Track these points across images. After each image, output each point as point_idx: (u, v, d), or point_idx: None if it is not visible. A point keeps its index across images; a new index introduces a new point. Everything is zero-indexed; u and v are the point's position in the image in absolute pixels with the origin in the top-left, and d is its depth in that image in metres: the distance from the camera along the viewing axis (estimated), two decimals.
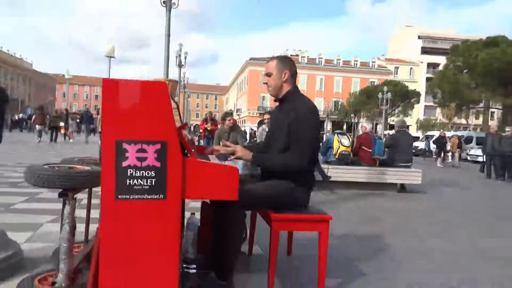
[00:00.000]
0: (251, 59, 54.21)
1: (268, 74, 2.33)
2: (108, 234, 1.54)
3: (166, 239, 1.57)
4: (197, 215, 2.69)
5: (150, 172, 1.55)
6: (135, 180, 1.54)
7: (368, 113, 41.62)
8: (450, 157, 17.85)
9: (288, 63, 2.34)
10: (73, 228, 1.84)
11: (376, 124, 40.22)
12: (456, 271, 2.79)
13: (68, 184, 1.77)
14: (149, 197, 1.55)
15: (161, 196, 1.56)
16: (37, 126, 16.40)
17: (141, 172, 1.54)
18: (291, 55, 47.23)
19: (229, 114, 6.94)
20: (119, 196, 1.53)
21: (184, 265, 2.46)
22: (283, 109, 2.35)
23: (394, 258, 3.02)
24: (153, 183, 1.55)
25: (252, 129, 28.20)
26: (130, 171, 1.54)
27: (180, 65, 23.20)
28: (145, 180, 1.55)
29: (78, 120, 21.46)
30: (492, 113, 35.92)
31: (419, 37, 63.37)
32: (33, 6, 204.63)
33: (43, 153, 10.76)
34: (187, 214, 2.65)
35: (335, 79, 56.52)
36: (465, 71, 26.41)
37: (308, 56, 55.95)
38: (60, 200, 1.85)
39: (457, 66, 27.09)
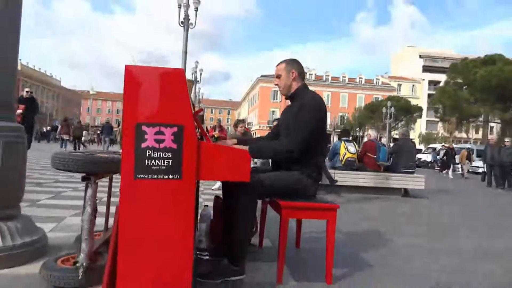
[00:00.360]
0: (262, 76, 54.56)
1: (278, 76, 2.38)
2: (127, 212, 1.53)
3: (181, 217, 1.56)
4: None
5: (167, 154, 1.55)
6: (153, 160, 1.54)
7: (373, 127, 41.36)
8: (460, 168, 17.79)
9: (295, 63, 2.38)
10: (94, 210, 1.84)
11: (381, 137, 39.89)
12: (457, 270, 2.71)
13: (91, 168, 1.79)
14: (166, 177, 1.55)
15: (177, 176, 1.55)
16: (63, 136, 17.27)
17: (158, 153, 1.54)
18: None
19: (241, 121, 6.95)
20: (138, 176, 1.53)
21: (198, 253, 2.45)
22: (292, 105, 2.36)
23: (398, 254, 2.95)
24: (170, 164, 1.55)
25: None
26: (148, 152, 1.54)
27: (196, 81, 23.50)
28: (162, 161, 1.54)
29: (99, 132, 22.21)
30: (492, 127, 35.37)
31: (420, 56, 63.24)
32: (63, 28, 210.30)
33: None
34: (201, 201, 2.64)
35: (341, 95, 56.44)
36: (464, 87, 26.17)
37: (315, 74, 56.06)
38: (82, 197, 1.86)
39: (457, 82, 26.88)
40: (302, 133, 2.14)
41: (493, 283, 2.36)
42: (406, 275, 2.42)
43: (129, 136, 1.53)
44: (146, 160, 1.54)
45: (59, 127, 20.14)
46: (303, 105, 2.19)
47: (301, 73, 2.37)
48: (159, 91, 1.55)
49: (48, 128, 36.24)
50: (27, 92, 7.57)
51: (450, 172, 16.14)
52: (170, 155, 1.55)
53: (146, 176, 1.54)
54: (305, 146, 2.15)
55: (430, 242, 3.42)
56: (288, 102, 2.46)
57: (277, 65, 2.40)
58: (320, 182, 2.37)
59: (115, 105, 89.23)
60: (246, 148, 1.99)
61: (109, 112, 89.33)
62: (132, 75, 1.54)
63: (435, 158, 21.37)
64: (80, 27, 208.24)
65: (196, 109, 2.15)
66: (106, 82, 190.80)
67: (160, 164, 1.54)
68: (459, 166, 17.76)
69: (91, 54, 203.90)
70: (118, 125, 21.03)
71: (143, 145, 1.53)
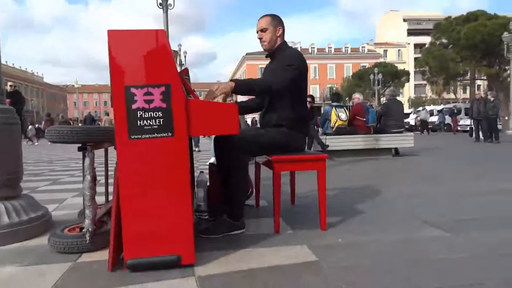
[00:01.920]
0: (247, 54, 53.99)
1: (263, 30, 2.33)
2: (125, 171, 1.61)
3: (176, 172, 1.64)
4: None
5: (157, 113, 1.61)
6: (145, 121, 1.61)
7: (359, 91, 41.55)
8: None
9: (280, 20, 2.37)
10: (94, 178, 1.91)
11: (371, 105, 40.12)
12: (438, 206, 2.87)
13: (85, 137, 1.85)
14: (159, 135, 1.62)
15: (169, 134, 1.63)
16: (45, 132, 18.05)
17: (149, 113, 1.61)
18: None
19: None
20: (132, 136, 1.60)
21: (197, 214, 2.56)
22: (272, 62, 2.40)
23: (390, 202, 3.09)
24: (161, 123, 1.62)
25: (254, 118, 28.08)
26: (139, 113, 1.60)
27: (181, 64, 23.21)
28: (153, 120, 1.61)
29: (81, 124, 22.89)
30: (479, 85, 35.64)
31: (404, 20, 62.82)
32: (40, 24, 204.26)
33: (54, 150, 10.89)
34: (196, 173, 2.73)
35: (328, 66, 56.32)
36: (449, 46, 26.20)
37: (301, 47, 55.52)
38: (79, 181, 1.92)
39: (442, 42, 26.89)
40: (288, 72, 2.18)
41: (477, 218, 2.51)
42: (397, 217, 2.56)
43: (120, 99, 1.59)
44: (138, 121, 1.60)
45: (43, 122, 21.38)
46: (286, 56, 2.25)
47: (284, 30, 2.38)
48: (143, 53, 1.60)
49: (36, 126, 35.78)
50: (10, 86, 7.49)
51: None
52: (161, 114, 1.62)
53: (140, 136, 1.61)
54: (289, 85, 2.18)
55: (420, 190, 3.58)
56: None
57: (261, 18, 2.35)
58: (311, 148, 2.47)
59: (102, 96, 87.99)
60: (231, 83, 2.02)
61: (96, 104, 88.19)
62: (115, 39, 1.58)
63: (442, 119, 21.03)
64: (57, 22, 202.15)
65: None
66: (91, 75, 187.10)
67: (152, 123, 1.61)
68: None
69: (72, 49, 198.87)
70: (108, 115, 21.22)
71: (134, 106, 1.60)
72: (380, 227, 2.31)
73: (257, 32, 2.35)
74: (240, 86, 2.06)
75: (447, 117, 21.40)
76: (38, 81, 68.34)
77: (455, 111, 20.46)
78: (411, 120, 23.92)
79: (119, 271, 1.64)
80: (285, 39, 2.40)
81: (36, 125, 36.00)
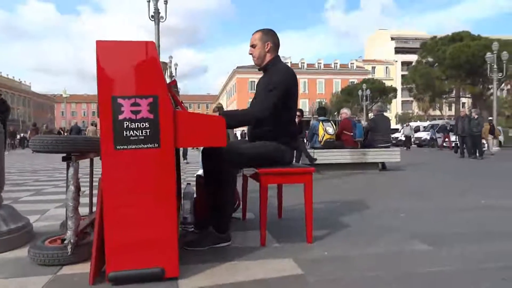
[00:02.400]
0: (237, 67, 54.41)
1: (252, 46, 2.38)
2: (110, 182, 1.59)
3: (162, 183, 1.63)
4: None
5: (144, 124, 1.61)
6: (131, 131, 1.60)
7: (347, 106, 42.16)
8: (486, 145, 14.80)
9: (271, 35, 2.38)
10: (77, 188, 1.88)
11: (359, 120, 40.65)
12: (424, 221, 2.89)
13: (70, 147, 1.83)
14: (145, 146, 1.61)
15: (156, 145, 1.62)
16: (29, 142, 18.84)
17: (136, 124, 1.60)
18: None
19: (221, 108, 6.94)
20: (118, 147, 1.59)
21: (183, 226, 2.53)
22: (264, 76, 2.42)
23: (376, 216, 3.11)
24: (148, 134, 1.61)
25: (243, 130, 28.12)
26: (126, 123, 1.60)
27: (171, 76, 23.23)
28: (140, 131, 1.61)
29: (67, 134, 22.90)
30: (463, 103, 36.53)
31: (392, 39, 64.44)
32: (30, 33, 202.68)
33: (38, 158, 10.70)
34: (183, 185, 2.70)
35: (317, 81, 57.14)
36: (435, 65, 26.89)
37: (291, 62, 56.27)
38: (63, 192, 1.89)
39: (428, 61, 27.59)
40: (270, 97, 2.20)
41: (463, 233, 2.53)
42: (384, 230, 2.56)
43: (106, 109, 1.58)
44: (124, 131, 1.59)
45: (29, 131, 21.79)
46: (273, 73, 2.27)
47: (276, 45, 2.39)
48: (132, 64, 1.60)
49: (22, 135, 35.20)
50: None
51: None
52: (148, 125, 1.61)
53: (125, 147, 1.60)
54: (272, 110, 2.20)
55: (406, 204, 3.61)
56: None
57: (253, 34, 2.39)
58: (300, 161, 2.48)
59: (90, 107, 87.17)
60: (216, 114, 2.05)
61: (84, 114, 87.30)
62: (103, 50, 1.58)
63: (434, 135, 20.90)
64: (48, 31, 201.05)
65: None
66: (81, 85, 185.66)
67: (138, 134, 1.61)
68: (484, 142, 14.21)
69: (62, 58, 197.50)
70: (95, 126, 21.31)
71: (120, 117, 1.59)
72: (367, 240, 2.31)
73: (249, 47, 2.39)
74: (227, 120, 2.10)
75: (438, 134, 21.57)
76: (25, 90, 67.47)
77: (447, 127, 20.06)
78: (401, 135, 24.29)
79: (101, 284, 1.60)
80: (277, 41, 2.40)
81: (22, 134, 35.55)
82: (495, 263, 1.89)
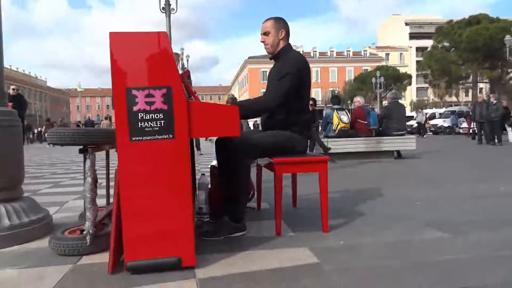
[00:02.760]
0: (249, 57, 54.13)
1: (265, 33, 2.33)
2: (126, 173, 1.61)
3: (177, 174, 1.64)
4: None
5: (158, 115, 1.61)
6: (146, 122, 1.61)
7: (364, 98, 41.57)
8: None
9: (283, 22, 2.35)
10: (95, 180, 1.91)
11: (372, 108, 40.12)
12: (440, 208, 2.85)
13: (86, 139, 1.85)
14: (160, 137, 1.62)
15: (170, 136, 1.62)
16: (46, 134, 20.17)
17: (150, 115, 1.61)
18: None
19: (234, 99, 6.92)
20: (133, 138, 1.60)
21: (199, 216, 2.55)
22: (276, 65, 2.39)
23: (391, 203, 3.08)
24: (162, 124, 1.61)
25: (256, 121, 28.08)
26: (140, 114, 1.60)
27: (183, 68, 23.27)
28: (154, 122, 1.61)
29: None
30: (481, 88, 35.59)
31: (406, 24, 62.91)
32: (43, 28, 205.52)
33: (56, 152, 10.93)
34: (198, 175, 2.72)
35: (330, 70, 56.40)
36: (451, 49, 26.20)
37: (303, 51, 55.63)
38: (80, 184, 1.92)
39: (444, 46, 26.88)
40: (282, 85, 2.18)
41: (480, 220, 2.48)
42: (399, 219, 2.53)
43: (121, 101, 1.59)
44: (139, 123, 1.60)
45: (44, 126, 23.04)
46: (285, 60, 2.24)
47: (288, 33, 2.35)
48: (145, 55, 1.60)
49: (39, 129, 36.02)
50: (13, 89, 7.53)
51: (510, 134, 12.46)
52: (162, 116, 1.61)
53: (140, 138, 1.60)
54: (284, 99, 2.18)
55: (422, 192, 3.55)
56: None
57: (264, 22, 2.35)
58: (313, 151, 2.46)
59: (104, 100, 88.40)
60: None
61: (99, 108, 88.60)
62: (117, 41, 1.58)
63: (455, 122, 20.35)
64: (60, 26, 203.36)
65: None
66: (95, 79, 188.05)
67: (153, 125, 1.61)
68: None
69: (75, 53, 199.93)
70: (110, 119, 22.09)
71: (135, 108, 1.60)
72: (382, 229, 2.29)
73: (261, 35, 2.35)
74: (240, 111, 2.12)
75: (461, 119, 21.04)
76: (41, 85, 68.67)
77: (470, 112, 19.01)
78: (414, 122, 23.87)
79: (119, 273, 1.63)
80: (289, 29, 2.37)
81: (39, 129, 36.41)
82: None
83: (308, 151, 2.43)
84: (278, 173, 2.15)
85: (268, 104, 2.21)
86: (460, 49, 24.13)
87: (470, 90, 33.28)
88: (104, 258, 1.76)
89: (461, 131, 20.16)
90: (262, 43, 2.36)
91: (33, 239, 2.14)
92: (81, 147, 1.89)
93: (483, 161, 6.86)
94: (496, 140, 10.79)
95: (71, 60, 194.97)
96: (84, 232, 1.88)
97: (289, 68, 2.20)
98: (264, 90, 2.37)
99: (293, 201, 2.98)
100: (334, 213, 2.57)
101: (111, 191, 2.05)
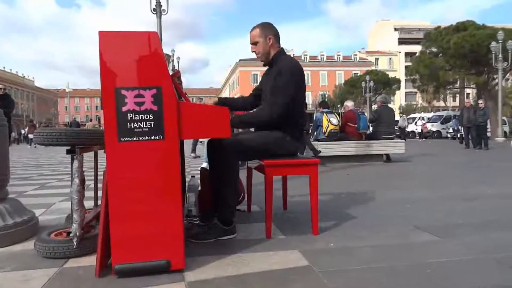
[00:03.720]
0: (240, 60, 54.17)
1: (254, 43, 2.32)
2: (114, 174, 1.58)
3: (167, 176, 1.62)
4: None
5: (148, 115, 1.59)
6: (135, 123, 1.58)
7: (354, 102, 41.90)
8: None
9: (269, 28, 2.33)
10: (82, 181, 1.88)
11: (362, 111, 40.49)
12: (430, 211, 2.87)
13: (74, 140, 1.82)
14: (149, 138, 1.59)
15: (160, 137, 1.60)
16: (30, 135, 21.14)
17: (140, 115, 1.59)
18: None
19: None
20: (122, 139, 1.58)
21: (188, 219, 2.52)
22: (270, 72, 2.37)
23: (381, 206, 3.09)
24: (152, 125, 1.59)
25: None
26: (129, 115, 1.58)
27: (173, 69, 23.17)
28: (144, 123, 1.59)
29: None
30: (468, 94, 36.18)
31: (395, 29, 63.73)
32: (32, 27, 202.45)
33: (40, 153, 10.76)
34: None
35: (320, 74, 56.78)
36: (439, 55, 26.57)
37: (293, 54, 55.95)
38: (67, 185, 1.88)
39: (432, 51, 27.25)
40: (283, 99, 2.18)
41: (470, 223, 2.51)
42: (389, 222, 2.55)
43: (110, 101, 1.57)
44: (128, 123, 1.58)
45: (26, 128, 23.63)
46: (281, 71, 2.21)
47: (276, 36, 2.33)
48: (135, 55, 1.58)
49: (23, 131, 35.41)
50: (0, 89, 7.38)
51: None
52: (151, 116, 1.59)
53: (129, 139, 1.58)
54: (286, 111, 2.20)
55: (412, 195, 3.58)
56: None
57: (251, 31, 2.33)
58: (304, 154, 2.45)
59: (94, 101, 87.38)
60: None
61: (88, 109, 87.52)
62: (106, 41, 1.56)
63: (456, 126, 19.11)
64: (49, 25, 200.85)
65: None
66: (84, 80, 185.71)
67: (142, 126, 1.59)
68: None
69: (64, 53, 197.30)
70: (99, 122, 22.31)
71: (124, 108, 1.57)
72: (372, 231, 2.30)
73: (251, 45, 2.34)
74: (241, 123, 2.27)
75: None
76: (29, 85, 67.55)
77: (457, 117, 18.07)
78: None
79: (107, 277, 1.60)
80: (277, 32, 2.36)
81: (22, 131, 35.79)
82: (503, 252, 1.86)
83: (298, 154, 2.43)
84: (269, 176, 2.14)
85: (273, 116, 2.19)
86: (447, 55, 24.47)
87: (458, 95, 33.82)
88: (91, 261, 1.73)
89: (448, 135, 20.50)
90: (254, 53, 2.35)
91: (18, 242, 2.09)
92: (69, 147, 1.86)
93: (470, 165, 6.96)
94: (483, 144, 10.97)
95: (60, 60, 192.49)
96: (71, 235, 1.85)
97: (285, 80, 2.19)
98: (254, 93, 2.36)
99: (284, 204, 2.97)
100: (324, 216, 2.57)
101: (99, 193, 2.01)
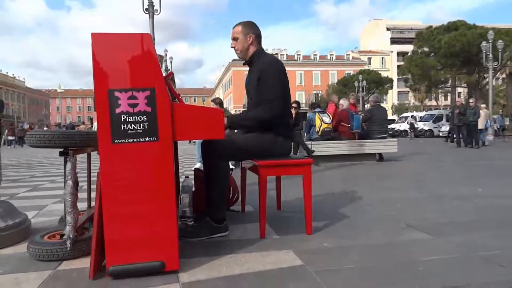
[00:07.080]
0: (233, 60, 54.11)
1: (234, 39, 2.34)
2: (108, 176, 1.58)
3: (161, 177, 1.62)
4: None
5: (142, 117, 1.59)
6: (129, 125, 1.58)
7: (343, 97, 42.15)
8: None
9: (252, 27, 2.35)
10: (75, 183, 1.87)
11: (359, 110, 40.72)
12: (421, 210, 2.90)
13: (67, 142, 1.81)
14: (143, 140, 1.59)
15: (154, 138, 1.60)
16: (9, 137, 22.38)
17: (133, 117, 1.58)
18: None
19: (221, 104, 6.97)
20: (115, 141, 1.57)
21: (182, 220, 2.53)
22: (252, 70, 2.38)
23: (374, 205, 3.12)
24: (146, 127, 1.59)
25: None
26: (123, 117, 1.58)
27: (166, 70, 23.06)
28: (138, 124, 1.59)
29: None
30: (459, 93, 36.56)
31: (387, 29, 64.18)
32: (22, 28, 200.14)
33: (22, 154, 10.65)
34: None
35: (313, 73, 56.95)
36: (431, 54, 26.85)
37: (287, 54, 56.13)
38: (60, 187, 1.87)
39: (424, 51, 27.53)
40: (277, 97, 2.20)
41: (461, 221, 2.55)
42: (382, 220, 2.57)
43: (103, 103, 1.56)
44: (122, 125, 1.58)
45: (6, 130, 24.15)
46: (265, 72, 2.22)
47: (258, 36, 2.35)
48: (128, 56, 1.58)
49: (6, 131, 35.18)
50: None
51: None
52: (145, 118, 1.59)
53: (123, 141, 1.58)
54: (282, 108, 2.23)
55: (404, 194, 3.62)
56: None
57: (234, 27, 2.35)
58: (297, 154, 2.47)
59: (86, 102, 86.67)
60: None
61: (80, 109, 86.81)
62: (99, 42, 1.56)
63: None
64: (39, 26, 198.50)
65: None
66: (76, 81, 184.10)
67: (136, 127, 1.59)
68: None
69: (56, 54, 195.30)
70: (91, 122, 22.25)
71: (118, 110, 1.57)
72: (365, 231, 2.32)
73: (231, 41, 2.35)
74: (238, 124, 2.29)
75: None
76: (20, 86, 66.79)
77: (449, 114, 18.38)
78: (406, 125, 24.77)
79: (101, 279, 1.59)
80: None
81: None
82: (493, 250, 1.90)
83: (292, 153, 2.44)
84: (263, 176, 2.15)
85: (272, 115, 2.21)
86: (439, 55, 24.77)
87: (449, 94, 34.16)
88: (85, 263, 1.72)
89: (440, 134, 20.71)
90: (233, 49, 2.36)
91: (10, 244, 2.08)
92: (62, 149, 1.85)
93: (461, 164, 7.03)
94: (473, 143, 11.10)
95: (51, 61, 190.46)
96: (64, 237, 1.84)
97: (272, 81, 2.20)
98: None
99: (278, 204, 2.99)
100: (318, 216, 2.59)
101: (93, 195, 2.01)
